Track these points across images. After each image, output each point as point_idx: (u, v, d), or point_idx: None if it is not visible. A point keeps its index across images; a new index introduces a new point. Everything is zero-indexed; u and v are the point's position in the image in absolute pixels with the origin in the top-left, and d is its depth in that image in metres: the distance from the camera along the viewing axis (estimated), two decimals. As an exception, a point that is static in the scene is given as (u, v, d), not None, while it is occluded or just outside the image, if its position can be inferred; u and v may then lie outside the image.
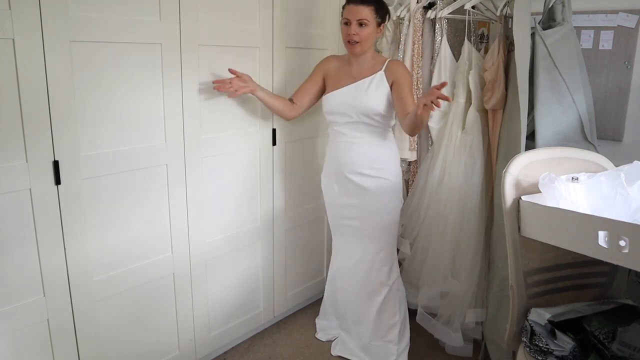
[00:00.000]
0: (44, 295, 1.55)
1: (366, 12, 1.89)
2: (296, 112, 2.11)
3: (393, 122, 2.05)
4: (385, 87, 1.95)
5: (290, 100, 2.10)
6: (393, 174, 2.07)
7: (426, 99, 1.57)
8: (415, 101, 1.94)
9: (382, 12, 1.95)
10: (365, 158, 2.01)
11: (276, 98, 2.07)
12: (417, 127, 1.78)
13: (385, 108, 1.95)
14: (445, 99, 1.55)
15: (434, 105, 1.55)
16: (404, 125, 1.86)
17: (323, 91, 2.11)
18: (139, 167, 1.74)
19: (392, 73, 1.96)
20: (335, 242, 2.27)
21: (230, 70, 1.91)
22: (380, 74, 1.97)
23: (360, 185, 2.04)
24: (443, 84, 1.57)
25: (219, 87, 1.89)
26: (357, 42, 1.91)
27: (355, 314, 2.20)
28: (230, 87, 1.89)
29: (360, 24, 1.89)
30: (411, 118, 1.76)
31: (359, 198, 2.06)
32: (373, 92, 1.95)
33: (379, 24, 1.95)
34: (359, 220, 2.09)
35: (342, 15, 1.94)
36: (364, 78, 1.98)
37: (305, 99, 2.11)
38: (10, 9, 1.35)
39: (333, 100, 2.02)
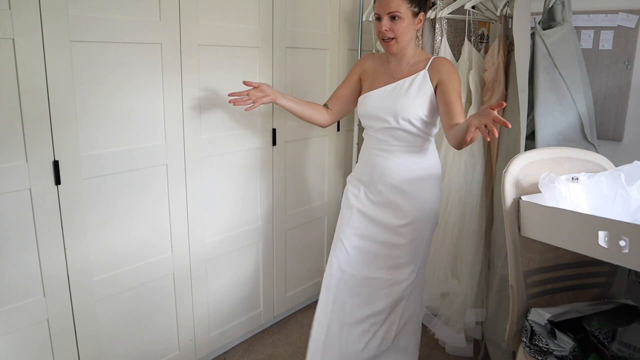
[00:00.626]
0: (44, 295, 1.55)
1: (397, 3, 1.64)
2: (331, 119, 1.94)
3: (436, 129, 1.79)
4: (429, 88, 1.70)
5: (325, 106, 1.94)
6: (433, 190, 1.81)
7: (479, 120, 1.32)
8: (463, 107, 1.70)
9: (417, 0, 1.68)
10: (403, 170, 1.76)
11: (306, 105, 1.90)
12: (465, 144, 1.51)
13: (427, 113, 1.70)
14: (503, 123, 1.26)
15: (487, 133, 1.28)
16: (450, 139, 1.60)
17: (359, 94, 1.89)
18: (139, 167, 1.74)
19: (437, 73, 1.70)
20: (341, 257, 1.89)
21: (245, 82, 1.76)
22: (423, 74, 1.72)
23: (393, 201, 1.79)
24: (500, 105, 1.31)
25: (235, 100, 1.75)
26: (392, 39, 1.68)
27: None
28: (247, 99, 1.76)
29: (393, 17, 1.65)
30: (459, 134, 1.49)
31: (389, 214, 1.80)
32: (414, 93, 1.70)
33: (415, 14, 1.68)
34: (387, 238, 1.82)
35: (373, 10, 1.73)
36: (404, 78, 1.74)
37: (339, 104, 1.93)
38: (10, 9, 1.35)
39: (369, 102, 1.79)
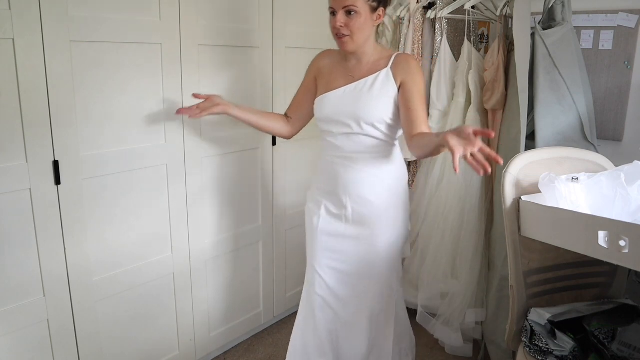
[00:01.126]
0: (44, 295, 1.55)
1: None
2: (293, 128, 1.79)
3: (400, 132, 1.63)
4: (392, 88, 1.55)
5: (286, 115, 1.79)
6: (401, 198, 1.68)
7: (463, 147, 1.12)
8: (425, 112, 1.53)
9: None
10: (369, 180, 1.61)
11: (263, 115, 1.76)
12: (428, 156, 1.43)
13: (392, 116, 1.56)
14: (495, 159, 1.11)
15: (479, 168, 1.11)
16: (411, 147, 1.48)
17: None
18: (139, 167, 1.74)
19: (401, 71, 1.55)
20: (316, 283, 1.79)
21: (195, 95, 1.70)
22: (386, 72, 1.56)
23: (360, 213, 1.64)
24: (485, 133, 1.15)
25: (183, 110, 1.69)
26: (347, 36, 1.52)
27: None
28: (197, 111, 1.66)
29: (349, 12, 1.49)
30: (427, 150, 1.38)
31: (358, 228, 1.66)
32: (377, 94, 1.55)
33: (374, 9, 1.52)
34: (354, 256, 1.70)
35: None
36: (365, 77, 1.58)
37: (300, 112, 1.77)
38: (10, 9, 1.35)
39: (326, 104, 1.62)
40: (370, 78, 1.58)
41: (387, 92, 1.56)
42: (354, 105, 1.56)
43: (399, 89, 1.55)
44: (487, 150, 1.12)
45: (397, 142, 1.66)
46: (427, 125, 1.51)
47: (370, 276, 1.71)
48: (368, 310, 1.75)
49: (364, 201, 1.63)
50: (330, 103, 1.62)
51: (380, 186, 1.63)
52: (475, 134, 1.13)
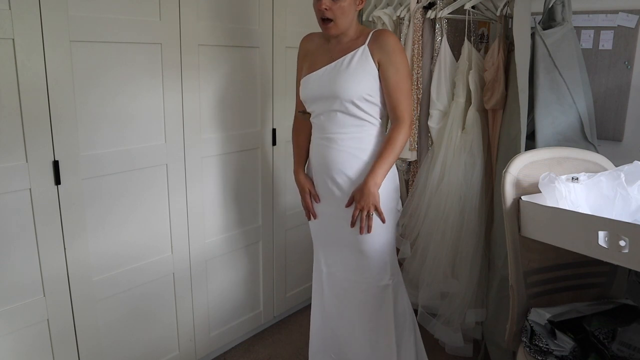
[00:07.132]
0: (44, 295, 1.55)
1: None
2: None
3: (385, 112, 1.67)
4: (371, 65, 1.57)
5: (302, 113, 1.80)
6: (385, 181, 1.64)
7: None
8: (404, 99, 1.60)
9: None
10: (349, 160, 1.64)
11: (305, 141, 1.82)
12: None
13: (370, 92, 1.58)
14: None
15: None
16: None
17: None
18: (139, 167, 1.74)
19: (378, 49, 1.57)
20: (317, 262, 1.89)
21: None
22: (363, 49, 1.58)
23: (342, 195, 1.67)
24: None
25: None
26: (331, 20, 1.55)
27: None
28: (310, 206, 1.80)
29: None
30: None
31: (341, 210, 1.68)
32: (354, 70, 1.57)
33: None
34: (347, 235, 1.70)
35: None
36: (344, 55, 1.61)
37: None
38: (10, 9, 1.35)
39: (309, 84, 1.67)
40: (349, 55, 1.60)
41: (365, 68, 1.58)
42: (333, 83, 1.59)
43: (379, 69, 1.58)
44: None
45: (380, 123, 1.67)
46: (407, 113, 1.61)
47: (358, 260, 1.73)
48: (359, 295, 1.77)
49: (346, 182, 1.66)
50: (312, 83, 1.66)
51: (358, 164, 1.64)
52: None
